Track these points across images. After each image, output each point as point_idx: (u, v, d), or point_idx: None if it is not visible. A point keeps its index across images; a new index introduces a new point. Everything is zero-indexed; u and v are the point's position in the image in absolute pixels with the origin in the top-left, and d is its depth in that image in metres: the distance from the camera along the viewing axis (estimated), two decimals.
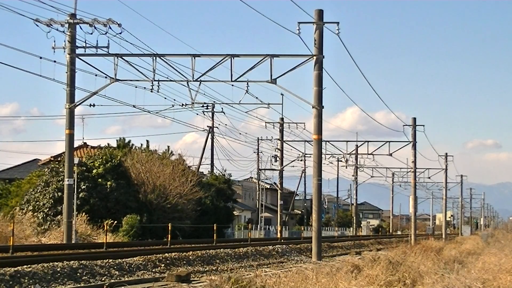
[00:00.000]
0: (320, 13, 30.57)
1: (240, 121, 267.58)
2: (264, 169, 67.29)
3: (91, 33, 30.65)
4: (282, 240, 46.17)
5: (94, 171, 40.32)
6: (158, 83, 31.75)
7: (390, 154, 55.09)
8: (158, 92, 31.97)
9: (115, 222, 37.29)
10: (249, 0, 40.07)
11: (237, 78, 31.30)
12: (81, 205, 37.32)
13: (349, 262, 18.93)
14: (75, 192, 32.96)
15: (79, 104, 31.95)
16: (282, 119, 53.85)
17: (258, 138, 68.46)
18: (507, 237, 55.69)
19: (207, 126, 62.33)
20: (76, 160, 32.27)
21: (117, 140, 52.67)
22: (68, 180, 31.37)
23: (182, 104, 35.11)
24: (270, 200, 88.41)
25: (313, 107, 30.98)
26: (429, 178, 72.82)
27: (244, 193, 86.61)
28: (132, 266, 21.96)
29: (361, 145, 65.08)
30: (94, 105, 32.86)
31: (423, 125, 54.06)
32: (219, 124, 61.46)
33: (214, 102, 41.42)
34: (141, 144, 52.88)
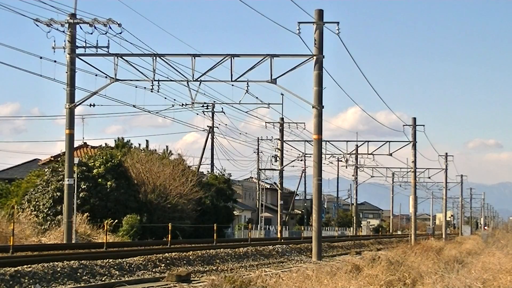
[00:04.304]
0: (320, 13, 30.59)
1: (240, 121, 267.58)
2: (264, 169, 67.31)
3: (91, 33, 30.67)
4: (282, 240, 46.16)
5: (94, 171, 40.30)
6: (158, 83, 31.76)
7: (390, 154, 55.13)
8: (158, 92, 31.99)
9: (115, 222, 37.27)
10: (249, 0, 40.09)
11: (237, 78, 31.31)
12: (81, 205, 37.31)
13: (349, 262, 18.95)
14: (75, 192, 32.93)
15: (79, 104, 31.94)
16: (282, 119, 53.83)
17: (258, 138, 68.61)
18: (507, 236, 55.70)
19: (207, 126, 62.37)
20: (76, 160, 32.25)
21: (115, 140, 52.68)
22: (68, 180, 31.36)
23: (182, 104, 35.12)
24: (270, 200, 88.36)
25: (313, 107, 30.99)
26: (429, 178, 72.90)
27: (244, 193, 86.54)
28: (132, 266, 21.96)
29: (361, 145, 65.18)
30: (94, 105, 32.86)
31: (423, 125, 54.45)
32: (219, 124, 61.54)
33: (214, 102, 41.44)
34: (139, 144, 52.91)
